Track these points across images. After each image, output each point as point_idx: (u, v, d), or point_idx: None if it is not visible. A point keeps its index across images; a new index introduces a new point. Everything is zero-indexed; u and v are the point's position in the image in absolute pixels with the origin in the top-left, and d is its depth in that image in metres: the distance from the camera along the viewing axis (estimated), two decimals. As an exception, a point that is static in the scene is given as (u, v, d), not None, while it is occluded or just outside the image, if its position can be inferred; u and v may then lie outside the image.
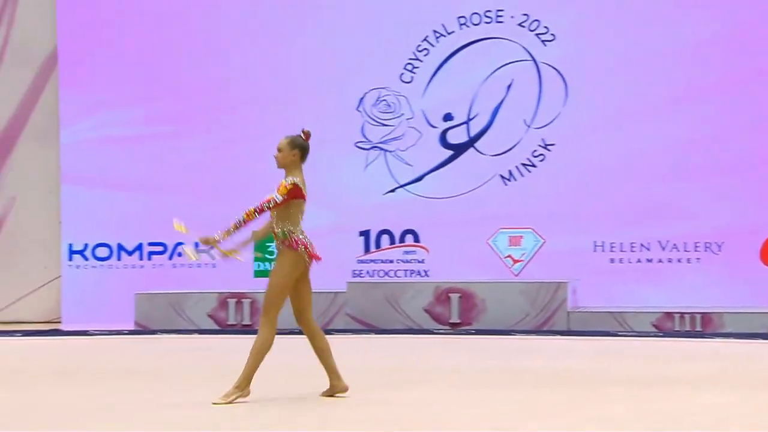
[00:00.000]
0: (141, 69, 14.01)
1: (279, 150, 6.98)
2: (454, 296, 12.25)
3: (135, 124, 14.03)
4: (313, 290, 12.67)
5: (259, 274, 13.73)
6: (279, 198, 6.81)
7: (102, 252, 14.16)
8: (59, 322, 14.02)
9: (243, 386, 6.78)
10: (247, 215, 6.80)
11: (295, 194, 6.84)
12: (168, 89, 13.99)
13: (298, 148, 6.98)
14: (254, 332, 12.01)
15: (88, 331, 12.56)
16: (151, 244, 14.08)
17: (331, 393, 7.05)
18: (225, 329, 12.54)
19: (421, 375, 8.46)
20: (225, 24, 14.00)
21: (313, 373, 7.42)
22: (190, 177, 13.95)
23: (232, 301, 12.65)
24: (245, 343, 11.11)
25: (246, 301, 12.66)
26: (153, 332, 12.36)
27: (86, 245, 14.15)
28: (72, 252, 14.18)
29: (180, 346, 11.19)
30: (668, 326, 11.86)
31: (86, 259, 14.17)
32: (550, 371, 8.51)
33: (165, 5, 14.12)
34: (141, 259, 14.09)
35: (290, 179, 6.88)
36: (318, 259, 6.98)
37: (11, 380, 8.41)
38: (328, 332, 12.02)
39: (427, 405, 6.85)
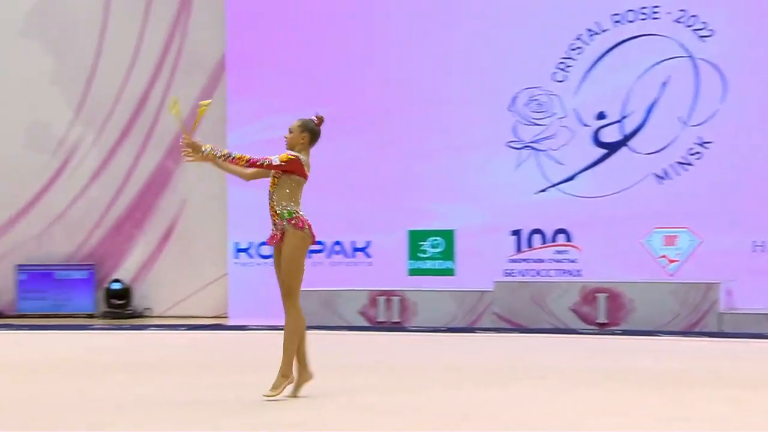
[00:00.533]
0: (302, 74, 14.27)
1: (290, 131, 6.78)
2: (601, 296, 11.89)
3: (297, 127, 14.28)
4: (461, 289, 12.81)
5: (413, 272, 13.76)
6: (276, 161, 6.59)
7: (265, 250, 14.47)
8: (226, 317, 14.43)
9: (288, 373, 6.68)
10: (240, 157, 6.56)
11: (294, 167, 6.62)
12: (328, 93, 14.16)
13: (308, 131, 6.78)
14: (402, 329, 12.23)
15: (246, 326, 12.85)
16: (311, 242, 14.29)
17: (298, 385, 6.77)
18: (375, 326, 12.59)
19: (530, 373, 8.22)
20: (382, 28, 14.08)
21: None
22: (349, 178, 14.09)
23: (381, 299, 12.69)
24: (393, 339, 11.28)
25: (395, 299, 12.67)
26: (306, 328, 12.50)
27: (251, 243, 14.52)
28: (238, 250, 14.58)
29: (330, 341, 11.29)
30: (827, 329, 11.16)
31: (251, 256, 14.53)
32: (668, 371, 8.12)
33: (325, 14, 14.31)
34: (302, 256, 14.32)
35: (294, 152, 6.68)
36: (314, 239, 6.79)
37: (153, 370, 8.68)
38: (473, 330, 12.01)
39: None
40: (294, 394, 6.75)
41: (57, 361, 9.35)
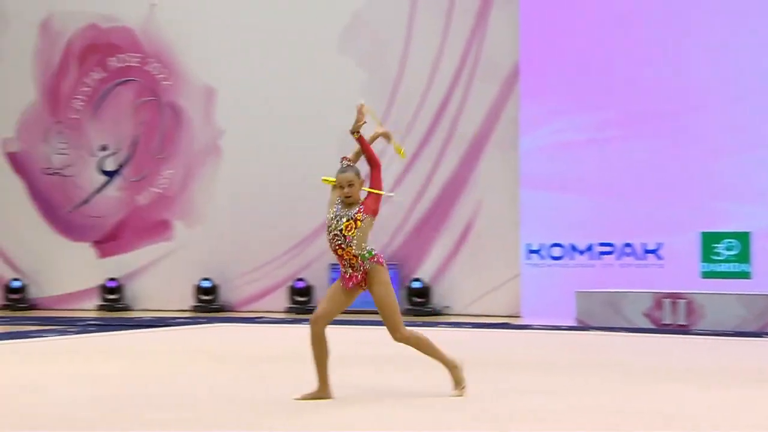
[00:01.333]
0: (592, 79, 14.11)
1: (349, 184, 6.51)
2: None
3: (587, 129, 14.14)
4: (751, 292, 12.11)
5: (707, 275, 13.19)
6: (380, 187, 6.49)
7: (556, 252, 14.42)
8: (519, 317, 14.50)
9: (454, 363, 6.67)
10: (375, 161, 6.56)
11: (378, 204, 6.52)
12: (616, 97, 13.93)
13: (359, 176, 6.60)
14: (687, 332, 11.75)
15: (530, 325, 12.85)
16: (601, 244, 14.08)
17: (313, 397, 6.52)
18: (659, 329, 12.18)
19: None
20: (672, 29, 13.64)
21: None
22: (640, 179, 13.76)
23: (667, 301, 12.27)
24: (674, 342, 10.87)
25: (682, 302, 12.19)
26: (588, 328, 12.34)
27: (542, 245, 14.50)
28: (529, 251, 14.61)
29: (607, 341, 11.08)
30: None
31: (542, 258, 14.52)
32: None
33: (614, 17, 14.08)
34: (591, 258, 14.14)
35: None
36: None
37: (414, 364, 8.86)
38: (762, 335, 11.31)
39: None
40: (301, 398, 6.53)
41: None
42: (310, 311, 15.77)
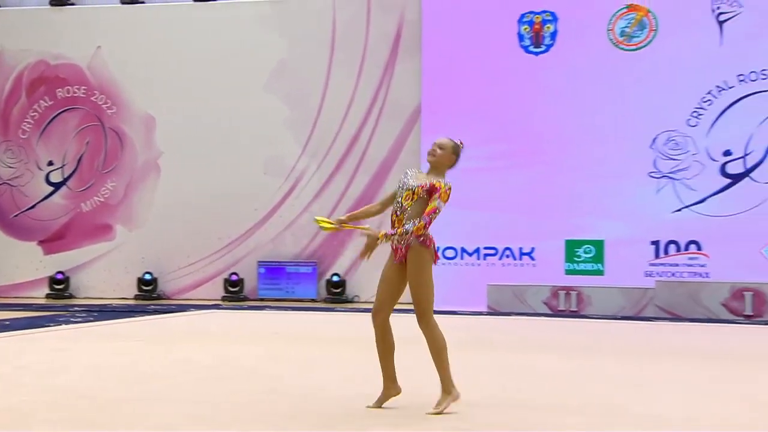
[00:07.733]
0: (485, 116, 13.59)
1: (440, 147, 4.89)
2: (748, 294, 11.02)
3: (477, 159, 13.54)
4: (628, 286, 11.97)
5: (569, 272, 12.92)
6: (442, 206, 4.78)
7: (449, 253, 13.75)
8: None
9: (450, 389, 4.83)
10: (417, 229, 4.77)
11: (448, 199, 4.83)
12: (506, 131, 13.47)
13: (456, 156, 4.93)
14: (580, 316, 11.37)
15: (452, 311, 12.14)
16: (486, 248, 13.58)
17: (384, 400, 4.93)
18: (556, 314, 11.81)
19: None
20: (547, 81, 13.34)
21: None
22: (516, 199, 13.37)
23: (562, 293, 11.93)
24: (569, 324, 10.46)
25: (573, 293, 11.89)
26: (505, 314, 11.81)
27: (437, 248, 13.79)
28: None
29: (518, 325, 10.54)
30: None
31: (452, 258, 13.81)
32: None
33: (502, 68, 13.63)
34: (477, 259, 13.59)
35: (447, 182, 4.83)
36: (437, 259, 4.93)
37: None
38: (639, 319, 11.16)
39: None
40: (378, 406, 4.92)
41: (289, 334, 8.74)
42: (242, 300, 14.32)
